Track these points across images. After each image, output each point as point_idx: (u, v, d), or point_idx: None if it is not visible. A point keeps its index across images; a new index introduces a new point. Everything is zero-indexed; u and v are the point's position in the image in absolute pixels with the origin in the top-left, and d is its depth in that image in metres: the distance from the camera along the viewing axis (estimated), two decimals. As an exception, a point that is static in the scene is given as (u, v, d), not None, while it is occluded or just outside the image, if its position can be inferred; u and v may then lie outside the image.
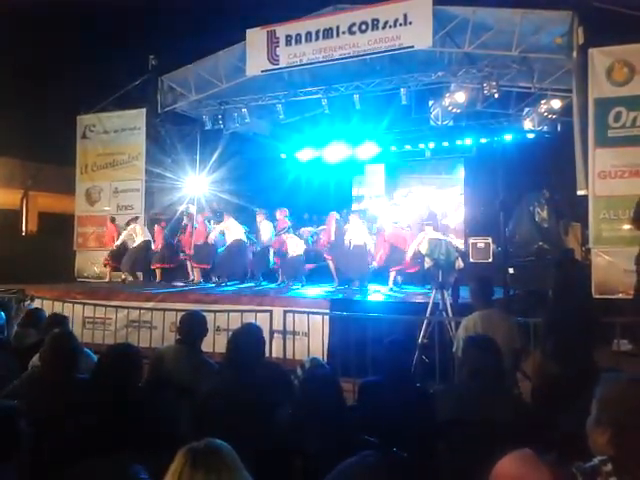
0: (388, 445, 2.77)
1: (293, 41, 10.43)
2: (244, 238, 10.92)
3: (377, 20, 9.75)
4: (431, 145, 13.90)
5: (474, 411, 2.85)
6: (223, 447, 1.77)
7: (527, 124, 11.66)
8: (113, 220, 12.24)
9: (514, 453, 1.52)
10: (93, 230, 12.95)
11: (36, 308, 6.79)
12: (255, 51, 10.76)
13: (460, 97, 10.32)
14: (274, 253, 11.04)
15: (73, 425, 2.76)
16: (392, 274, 10.24)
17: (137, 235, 11.57)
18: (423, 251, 8.38)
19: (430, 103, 11.19)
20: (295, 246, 10.57)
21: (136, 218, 11.87)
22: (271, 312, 7.22)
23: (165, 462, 1.77)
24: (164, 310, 7.70)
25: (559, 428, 2.68)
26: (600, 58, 8.49)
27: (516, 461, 1.50)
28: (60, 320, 4.79)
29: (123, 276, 11.84)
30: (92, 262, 12.76)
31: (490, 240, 9.84)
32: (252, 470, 1.80)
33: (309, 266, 11.13)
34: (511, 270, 9.72)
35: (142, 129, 12.53)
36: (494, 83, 9.88)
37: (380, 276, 10.54)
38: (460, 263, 8.04)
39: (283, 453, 2.56)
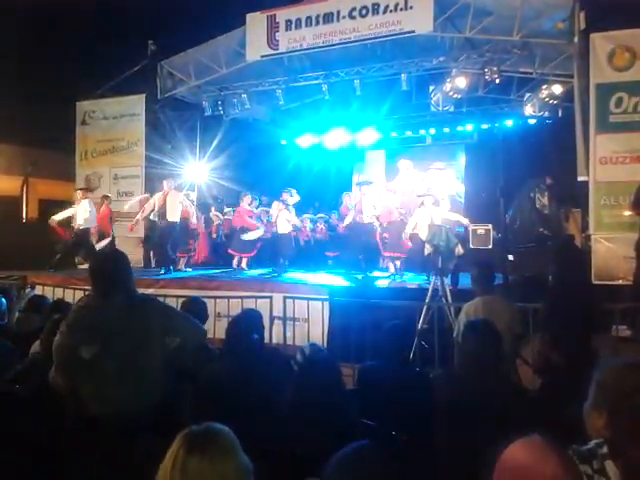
0: (387, 429, 2.80)
1: (293, 26, 10.34)
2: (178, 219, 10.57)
3: (378, 5, 9.66)
4: (432, 131, 13.82)
5: (472, 396, 2.86)
6: (222, 431, 1.73)
7: (528, 110, 11.59)
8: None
9: (522, 440, 1.43)
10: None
11: (39, 295, 6.82)
12: (255, 36, 10.68)
13: (461, 82, 10.26)
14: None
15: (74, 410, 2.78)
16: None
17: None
18: (423, 237, 8.40)
19: (431, 89, 11.14)
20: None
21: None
22: (271, 298, 7.25)
23: (167, 448, 1.74)
24: (165, 296, 7.70)
25: (558, 412, 2.70)
26: (601, 43, 8.43)
27: (524, 449, 1.41)
28: (63, 306, 4.80)
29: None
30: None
31: (490, 227, 9.83)
32: (252, 455, 1.78)
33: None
34: (510, 257, 9.73)
35: (141, 115, 12.46)
36: (495, 68, 9.83)
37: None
38: (460, 249, 8.05)
39: (283, 438, 2.57)
